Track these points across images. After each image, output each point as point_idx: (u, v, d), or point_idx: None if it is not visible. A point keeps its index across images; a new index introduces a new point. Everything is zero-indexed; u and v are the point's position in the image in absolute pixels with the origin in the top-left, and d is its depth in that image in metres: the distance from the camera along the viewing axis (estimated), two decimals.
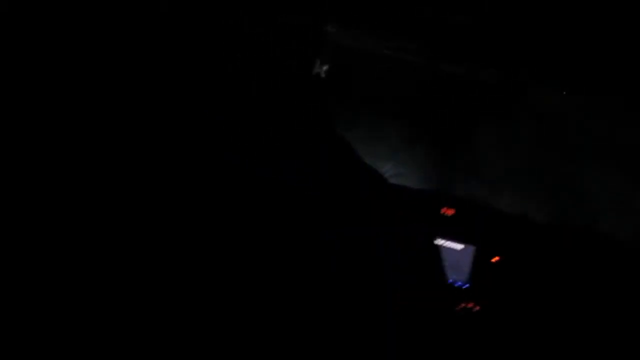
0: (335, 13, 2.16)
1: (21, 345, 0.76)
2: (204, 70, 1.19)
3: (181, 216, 0.90)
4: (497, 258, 2.06)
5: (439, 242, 2.07)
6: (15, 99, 0.97)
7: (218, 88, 1.21)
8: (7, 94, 0.97)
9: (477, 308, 2.06)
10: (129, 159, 0.99)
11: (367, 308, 0.98)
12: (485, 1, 1.98)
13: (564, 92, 2.21)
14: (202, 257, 0.87)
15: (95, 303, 0.80)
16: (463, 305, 2.05)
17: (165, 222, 0.89)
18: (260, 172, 1.05)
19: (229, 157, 1.07)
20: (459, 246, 2.07)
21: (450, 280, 2.06)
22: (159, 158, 1.00)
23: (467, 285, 2.06)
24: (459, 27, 2.12)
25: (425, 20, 2.12)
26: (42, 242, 0.83)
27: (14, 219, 0.84)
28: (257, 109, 1.33)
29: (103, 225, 0.86)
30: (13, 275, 0.79)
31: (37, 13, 1.05)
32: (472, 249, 2.06)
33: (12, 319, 0.77)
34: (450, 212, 2.12)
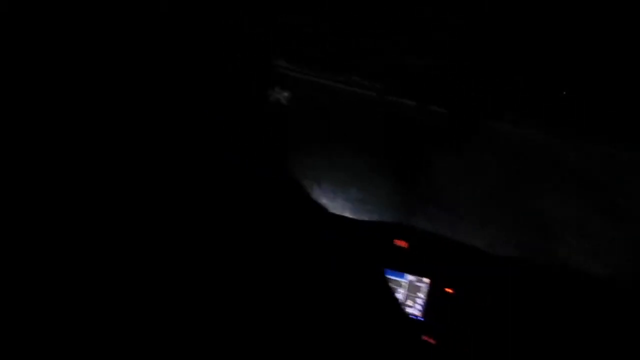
0: (288, 48, 2.18)
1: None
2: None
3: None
4: (450, 290, 2.04)
5: (393, 275, 2.05)
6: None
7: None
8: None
9: (433, 342, 2.03)
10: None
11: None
12: (436, 40, 2.01)
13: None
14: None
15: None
16: (419, 338, 2.02)
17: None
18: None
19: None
20: (412, 278, 2.05)
21: (405, 314, 2.03)
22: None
23: (422, 318, 2.03)
24: (414, 64, 2.15)
25: (379, 57, 2.15)
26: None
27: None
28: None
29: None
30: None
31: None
32: (426, 281, 2.04)
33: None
34: (403, 244, 2.10)
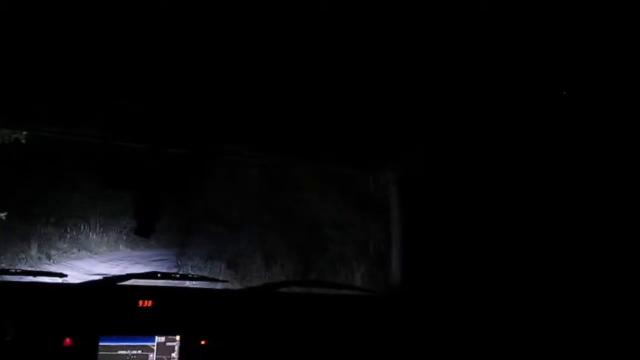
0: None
1: None
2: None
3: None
4: (204, 342, 1.95)
5: (140, 340, 1.88)
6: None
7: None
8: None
9: None
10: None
11: None
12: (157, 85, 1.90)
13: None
14: None
15: None
16: None
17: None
18: None
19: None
20: (162, 339, 1.90)
21: None
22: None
23: None
24: (138, 112, 2.00)
25: (104, 108, 1.95)
26: None
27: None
28: None
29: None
30: None
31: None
32: (176, 338, 1.91)
33: None
34: (148, 303, 1.94)
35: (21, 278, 2.02)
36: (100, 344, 1.83)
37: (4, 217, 3.86)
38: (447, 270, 2.25)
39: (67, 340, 1.79)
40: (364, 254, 4.13)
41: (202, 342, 1.95)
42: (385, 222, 2.49)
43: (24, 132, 3.61)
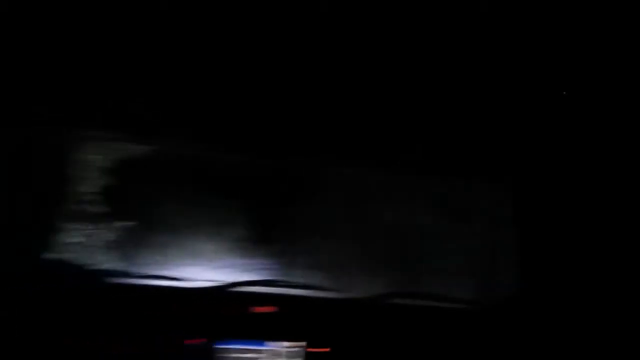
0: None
1: None
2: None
3: None
4: (310, 350, 1.99)
5: (252, 344, 1.96)
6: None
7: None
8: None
9: None
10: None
11: None
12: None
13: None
14: None
15: None
16: None
17: None
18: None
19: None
20: (275, 345, 1.97)
21: None
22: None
23: None
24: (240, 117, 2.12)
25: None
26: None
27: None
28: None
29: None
30: None
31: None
32: (300, 346, 1.97)
33: None
34: (262, 309, 2.02)
35: (145, 281, 2.18)
36: (216, 346, 1.93)
37: (131, 226, 4.21)
38: (564, 283, 2.12)
39: (186, 341, 1.92)
40: (469, 265, 3.98)
41: (318, 350, 1.99)
42: (491, 233, 2.41)
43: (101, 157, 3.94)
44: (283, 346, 1.98)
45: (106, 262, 2.27)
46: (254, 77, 2.05)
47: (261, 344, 1.97)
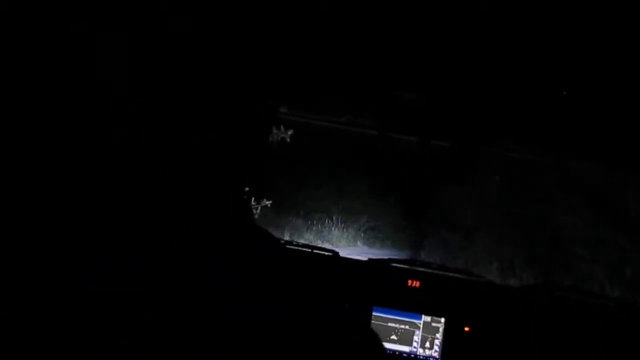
0: (288, 96, 2.21)
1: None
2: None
3: None
4: (468, 328, 2.01)
5: (408, 316, 2.02)
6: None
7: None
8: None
9: None
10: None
11: None
12: (429, 77, 2.03)
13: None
14: None
15: None
16: None
17: None
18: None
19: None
20: (428, 319, 2.02)
21: (422, 357, 2.00)
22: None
23: (440, 359, 2.00)
24: (409, 102, 2.17)
25: (376, 97, 2.18)
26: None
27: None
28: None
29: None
30: None
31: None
32: (442, 321, 2.02)
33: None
34: (417, 284, 2.08)
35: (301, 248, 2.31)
36: (374, 313, 2.02)
37: (269, 205, 4.48)
38: None
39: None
40: (617, 277, 3.74)
41: (466, 329, 2.01)
42: None
43: (290, 132, 4.14)
44: (440, 322, 2.02)
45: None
46: None
47: (418, 317, 2.02)
